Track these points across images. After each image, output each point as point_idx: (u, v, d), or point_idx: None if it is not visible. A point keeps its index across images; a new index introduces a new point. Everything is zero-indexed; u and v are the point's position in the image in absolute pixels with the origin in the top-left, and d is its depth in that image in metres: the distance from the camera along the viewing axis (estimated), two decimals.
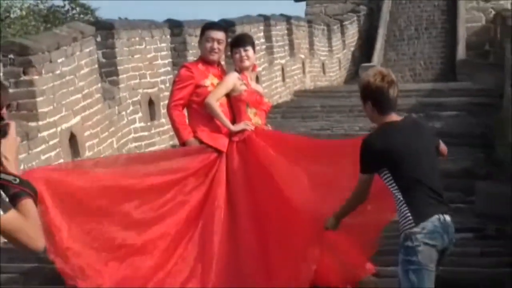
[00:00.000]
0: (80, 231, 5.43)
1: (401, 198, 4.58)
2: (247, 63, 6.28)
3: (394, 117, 4.74)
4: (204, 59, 6.38)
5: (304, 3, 28.70)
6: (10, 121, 2.58)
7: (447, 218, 4.57)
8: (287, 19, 18.79)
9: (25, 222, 2.40)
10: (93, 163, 6.01)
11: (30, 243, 2.42)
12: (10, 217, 2.38)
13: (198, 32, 12.30)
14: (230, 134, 6.16)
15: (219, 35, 6.34)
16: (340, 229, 5.53)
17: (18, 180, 2.46)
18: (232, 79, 6.21)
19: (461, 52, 23.43)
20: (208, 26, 6.48)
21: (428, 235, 4.48)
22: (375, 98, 4.69)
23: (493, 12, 25.84)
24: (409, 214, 4.53)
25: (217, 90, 6.14)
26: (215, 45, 6.28)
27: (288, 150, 6.25)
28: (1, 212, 2.38)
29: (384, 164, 4.62)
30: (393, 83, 4.72)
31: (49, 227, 5.20)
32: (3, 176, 2.45)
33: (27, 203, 2.44)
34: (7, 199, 2.45)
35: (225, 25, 8.78)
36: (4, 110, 3.31)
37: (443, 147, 4.99)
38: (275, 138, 6.35)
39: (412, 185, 4.57)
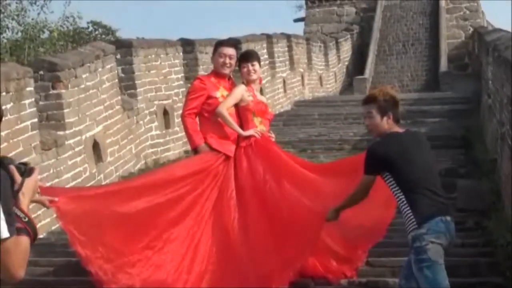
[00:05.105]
0: (108, 239, 5.39)
1: (404, 200, 4.55)
2: (254, 76, 6.27)
3: (397, 128, 4.81)
4: (216, 73, 6.34)
5: (302, 23, 28.77)
6: (36, 167, 2.64)
7: (448, 218, 4.55)
8: (288, 37, 18.81)
9: (15, 249, 2.46)
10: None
11: (12, 269, 2.46)
12: (8, 240, 2.44)
13: (208, 49, 12.44)
14: (238, 140, 6.14)
15: (231, 51, 6.30)
16: (336, 225, 5.56)
17: (26, 219, 2.53)
18: (240, 91, 6.20)
19: (443, 65, 23.45)
20: (220, 43, 6.44)
21: (434, 235, 4.44)
22: (394, 110, 4.78)
23: (471, 29, 25.88)
24: (412, 216, 4.49)
25: (227, 100, 6.12)
26: (227, 60, 6.25)
27: (289, 158, 6.31)
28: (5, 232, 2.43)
29: (385, 168, 4.63)
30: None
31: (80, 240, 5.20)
32: (16, 210, 2.52)
33: (24, 239, 2.51)
34: None
35: (235, 42, 8.73)
36: None
37: None
38: (277, 149, 6.34)
39: (413, 188, 4.54)
